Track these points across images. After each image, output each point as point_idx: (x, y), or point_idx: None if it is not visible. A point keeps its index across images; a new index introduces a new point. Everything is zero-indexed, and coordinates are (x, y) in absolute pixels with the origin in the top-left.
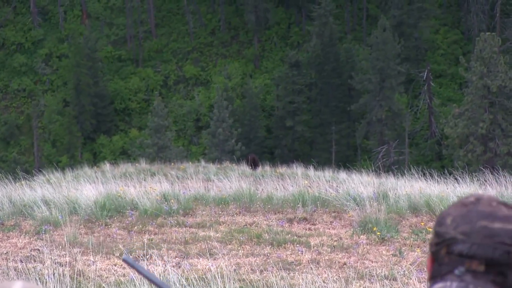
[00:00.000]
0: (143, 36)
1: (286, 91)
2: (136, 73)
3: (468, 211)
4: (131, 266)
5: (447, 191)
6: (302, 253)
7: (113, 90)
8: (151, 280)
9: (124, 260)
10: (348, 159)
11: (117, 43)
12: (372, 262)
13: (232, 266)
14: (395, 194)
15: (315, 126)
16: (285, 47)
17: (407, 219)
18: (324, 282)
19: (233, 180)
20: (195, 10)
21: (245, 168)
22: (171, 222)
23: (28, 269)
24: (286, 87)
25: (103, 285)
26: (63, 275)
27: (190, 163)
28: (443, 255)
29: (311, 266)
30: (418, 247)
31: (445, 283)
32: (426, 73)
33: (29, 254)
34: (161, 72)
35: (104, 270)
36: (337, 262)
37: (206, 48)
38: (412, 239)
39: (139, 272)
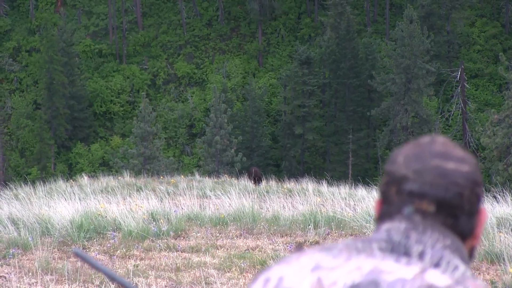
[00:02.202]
0: (127, 28)
1: (295, 92)
2: (119, 71)
3: (422, 150)
4: (84, 259)
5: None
6: None
7: (92, 91)
8: (107, 275)
9: (75, 253)
10: (368, 173)
11: (97, 35)
12: None
13: None
14: None
15: (329, 134)
16: (294, 41)
17: None
18: None
19: (233, 196)
20: None
21: (246, 182)
22: (160, 245)
23: None
24: (295, 88)
25: None
26: None
27: (182, 176)
28: (393, 195)
29: None
30: None
31: (393, 223)
32: (459, 73)
33: None
34: (149, 69)
35: None
36: None
37: (202, 42)
38: None
39: (93, 266)
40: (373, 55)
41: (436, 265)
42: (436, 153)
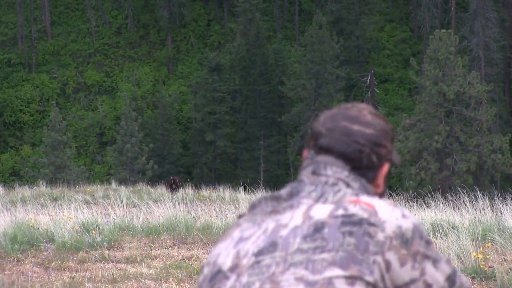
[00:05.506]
0: (36, 36)
1: (206, 99)
2: (28, 80)
3: (338, 113)
4: None
5: None
6: None
7: (1, 101)
8: None
9: None
10: (279, 178)
11: (5, 44)
12: None
13: None
14: None
15: (240, 141)
16: (203, 48)
17: None
18: None
19: (164, 206)
20: (98, 5)
21: (163, 191)
22: (95, 256)
23: None
24: (206, 95)
25: None
26: None
27: (98, 185)
28: (311, 147)
29: None
30: None
31: (306, 169)
32: (369, 78)
33: None
34: (58, 78)
35: None
36: None
37: (111, 50)
38: None
39: None
40: (283, 61)
41: (320, 197)
42: (348, 116)
